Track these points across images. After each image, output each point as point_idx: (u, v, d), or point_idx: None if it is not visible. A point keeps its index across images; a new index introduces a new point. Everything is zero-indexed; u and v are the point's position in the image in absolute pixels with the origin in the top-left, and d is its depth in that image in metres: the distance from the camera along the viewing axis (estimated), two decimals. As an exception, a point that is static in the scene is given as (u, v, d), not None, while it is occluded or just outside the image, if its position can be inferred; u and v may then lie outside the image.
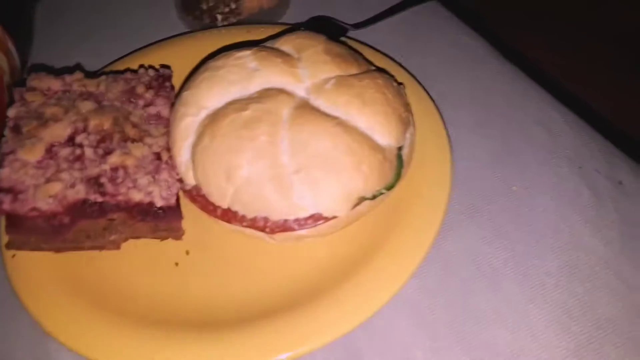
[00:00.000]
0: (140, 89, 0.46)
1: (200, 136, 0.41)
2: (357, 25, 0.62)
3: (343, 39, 0.57)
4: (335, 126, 0.40)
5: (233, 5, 0.62)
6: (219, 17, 0.63)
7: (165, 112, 0.45)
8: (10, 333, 0.41)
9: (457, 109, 0.52)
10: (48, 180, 0.39)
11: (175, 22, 0.64)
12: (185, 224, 0.43)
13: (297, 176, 0.39)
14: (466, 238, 0.44)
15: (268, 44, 0.48)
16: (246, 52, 0.44)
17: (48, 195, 0.38)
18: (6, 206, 0.38)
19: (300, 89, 0.43)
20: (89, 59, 0.59)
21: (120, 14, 0.67)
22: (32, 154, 0.40)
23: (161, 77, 0.47)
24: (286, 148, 0.40)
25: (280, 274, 0.42)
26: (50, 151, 0.41)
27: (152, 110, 0.45)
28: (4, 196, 0.38)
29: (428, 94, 0.49)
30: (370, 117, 0.41)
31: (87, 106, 0.44)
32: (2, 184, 0.39)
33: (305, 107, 0.41)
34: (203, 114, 0.42)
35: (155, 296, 0.41)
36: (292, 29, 0.57)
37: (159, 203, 0.40)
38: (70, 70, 0.47)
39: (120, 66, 0.54)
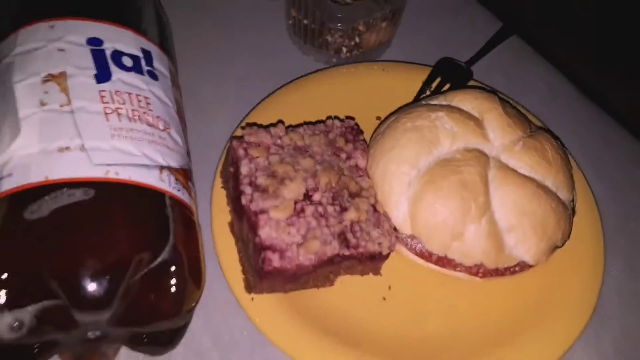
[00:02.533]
0: (340, 142, 0.51)
1: (420, 194, 0.47)
2: (468, 62, 0.69)
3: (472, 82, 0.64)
4: (537, 188, 0.48)
5: (357, 40, 0.67)
6: (344, 49, 0.67)
7: (362, 163, 0.51)
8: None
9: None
10: (305, 238, 0.44)
11: (290, 50, 0.68)
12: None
13: (510, 232, 0.47)
14: (607, 273, 0.54)
15: (441, 98, 0.54)
16: (440, 113, 0.50)
17: (310, 252, 0.44)
18: (276, 264, 0.43)
19: (491, 149, 0.50)
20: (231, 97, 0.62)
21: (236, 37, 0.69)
22: (284, 212, 0.45)
23: (354, 130, 0.53)
24: (496, 207, 0.47)
25: (480, 310, 0.50)
26: (295, 209, 0.45)
27: (352, 162, 0.51)
28: (272, 254, 0.43)
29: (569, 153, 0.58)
30: (555, 176, 0.49)
31: (308, 162, 0.48)
32: (267, 243, 0.43)
33: (505, 169, 0.48)
34: (413, 172, 0.49)
35: (372, 325, 0.48)
36: (433, 73, 0.64)
37: (385, 252, 0.47)
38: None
39: (281, 108, 0.58)
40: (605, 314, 0.52)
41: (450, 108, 0.52)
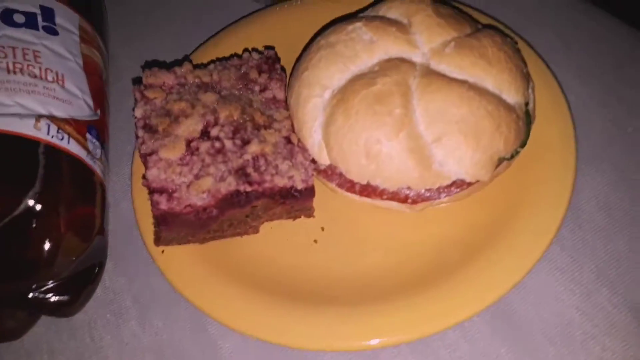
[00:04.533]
0: (253, 74, 0.46)
1: (331, 116, 0.42)
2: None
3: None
4: (468, 90, 0.40)
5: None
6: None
7: (280, 95, 0.46)
8: (172, 325, 0.43)
9: (551, 56, 0.52)
10: (197, 176, 0.40)
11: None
12: (314, 201, 0.44)
13: (436, 145, 0.40)
14: (592, 186, 0.45)
15: (370, 12, 0.47)
16: (357, 24, 0.44)
17: (201, 190, 0.40)
18: (163, 206, 0.39)
19: (418, 56, 0.43)
20: (169, 43, 0.59)
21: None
22: (174, 152, 0.41)
23: (270, 60, 0.48)
24: (420, 118, 0.40)
25: (418, 242, 0.43)
26: (189, 147, 0.41)
27: (268, 94, 0.46)
28: (159, 197, 0.39)
29: (533, 48, 0.49)
30: (497, 76, 0.41)
31: (210, 98, 0.44)
32: (154, 185, 0.40)
33: (431, 75, 0.41)
34: (327, 93, 0.43)
35: (300, 271, 0.43)
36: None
37: (300, 186, 0.42)
38: (177, 63, 0.48)
39: (212, 49, 0.53)
40: (586, 238, 0.43)
41: (372, 18, 0.45)
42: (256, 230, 0.45)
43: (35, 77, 0.43)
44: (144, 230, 0.44)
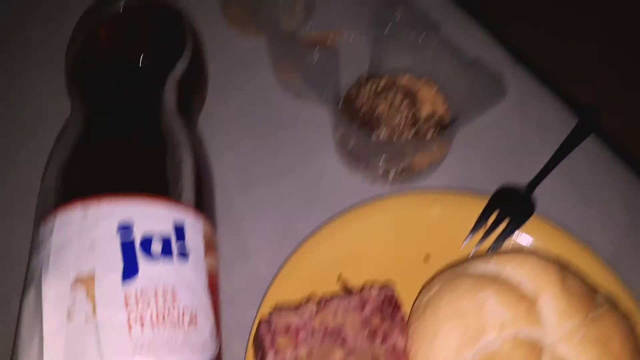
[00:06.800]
0: (375, 320, 0.48)
1: (461, 397, 0.43)
2: (531, 187, 0.62)
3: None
4: (598, 393, 0.42)
5: (406, 164, 0.62)
6: (392, 173, 0.63)
7: (400, 344, 0.47)
8: None
9: None
10: None
11: (336, 168, 0.66)
12: None
13: None
14: None
15: (492, 262, 0.49)
16: (488, 293, 0.46)
17: None
18: None
19: (546, 337, 0.44)
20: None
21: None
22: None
23: (392, 303, 0.49)
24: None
25: None
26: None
27: (389, 343, 0.47)
28: None
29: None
30: (622, 373, 0.43)
31: (338, 355, 0.45)
32: None
33: (561, 367, 0.43)
34: (455, 365, 0.44)
35: None
36: (489, 206, 0.58)
37: None
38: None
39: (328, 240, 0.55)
40: None
41: (501, 285, 0.46)
42: None
43: (175, 324, 0.43)
44: None
